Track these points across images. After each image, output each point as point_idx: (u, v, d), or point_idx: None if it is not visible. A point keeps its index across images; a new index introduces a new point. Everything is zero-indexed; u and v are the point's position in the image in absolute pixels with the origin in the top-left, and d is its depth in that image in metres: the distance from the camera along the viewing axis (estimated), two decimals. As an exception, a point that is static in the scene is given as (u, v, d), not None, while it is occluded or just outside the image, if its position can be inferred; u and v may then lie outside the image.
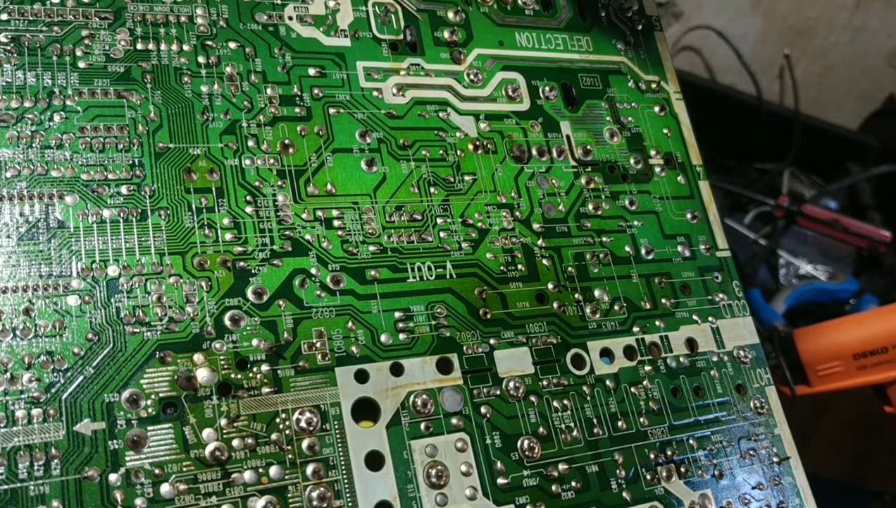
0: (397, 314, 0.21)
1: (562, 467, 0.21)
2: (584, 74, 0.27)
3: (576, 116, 0.27)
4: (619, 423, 0.22)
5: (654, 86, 0.28)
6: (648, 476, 0.22)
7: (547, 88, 0.26)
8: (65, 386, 0.18)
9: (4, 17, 0.21)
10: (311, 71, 0.23)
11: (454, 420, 0.21)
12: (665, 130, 0.28)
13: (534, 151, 0.25)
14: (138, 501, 0.18)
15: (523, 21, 0.27)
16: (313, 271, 0.21)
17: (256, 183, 0.22)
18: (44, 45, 0.21)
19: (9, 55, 0.21)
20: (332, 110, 0.23)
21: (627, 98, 0.28)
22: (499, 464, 0.21)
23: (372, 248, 0.22)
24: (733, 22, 0.64)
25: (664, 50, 0.29)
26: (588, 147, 0.26)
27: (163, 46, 0.22)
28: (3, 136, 0.20)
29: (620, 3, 0.29)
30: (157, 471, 0.18)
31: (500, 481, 0.21)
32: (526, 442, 0.21)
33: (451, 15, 0.26)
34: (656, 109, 0.28)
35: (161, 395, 0.19)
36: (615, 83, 0.28)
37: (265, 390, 0.19)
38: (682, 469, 0.23)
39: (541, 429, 0.22)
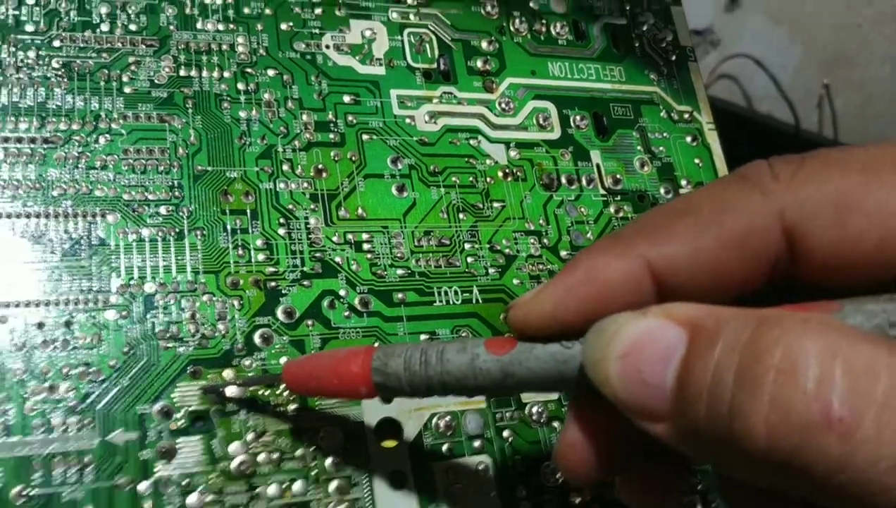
0: (423, 337, 0.22)
1: (583, 496, 0.22)
2: (615, 103, 0.28)
3: (606, 145, 0.27)
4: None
5: (686, 116, 0.29)
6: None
7: (578, 118, 0.27)
8: (100, 397, 0.19)
9: (57, 43, 0.22)
10: (346, 98, 0.24)
11: (476, 443, 0.21)
12: (697, 161, 0.28)
13: (563, 180, 0.26)
14: (168, 516, 0.18)
15: (556, 51, 0.28)
16: (342, 292, 0.22)
17: (290, 206, 0.22)
18: (92, 70, 0.22)
19: (59, 80, 0.22)
20: (365, 137, 0.24)
21: (659, 128, 0.28)
22: (520, 488, 0.21)
23: (400, 271, 0.23)
24: (772, 51, 0.64)
25: (698, 80, 0.29)
26: (618, 176, 0.27)
27: (204, 73, 0.23)
28: (51, 156, 0.21)
29: (654, 34, 0.29)
30: (185, 482, 0.19)
31: (524, 504, 0.21)
32: (547, 468, 0.22)
33: (484, 44, 0.27)
34: (688, 139, 0.28)
35: (191, 408, 0.19)
36: (647, 113, 0.28)
37: (291, 407, 0.20)
38: (710, 499, 0.23)
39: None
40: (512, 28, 0.27)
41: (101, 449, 0.18)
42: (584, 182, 0.26)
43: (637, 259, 0.15)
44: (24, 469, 0.18)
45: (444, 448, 0.21)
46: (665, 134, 0.28)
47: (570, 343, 0.16)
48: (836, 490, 0.11)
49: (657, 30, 0.29)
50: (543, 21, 0.28)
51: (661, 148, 0.28)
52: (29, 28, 0.22)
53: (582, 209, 0.26)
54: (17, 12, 0.22)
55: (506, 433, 0.22)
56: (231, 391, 0.20)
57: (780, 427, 0.12)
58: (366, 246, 0.23)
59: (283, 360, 0.20)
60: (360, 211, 0.23)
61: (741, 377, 0.12)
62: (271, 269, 0.21)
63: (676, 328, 0.14)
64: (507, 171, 0.25)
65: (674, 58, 0.29)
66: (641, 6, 0.29)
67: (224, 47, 0.24)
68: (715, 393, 0.13)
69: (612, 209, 0.26)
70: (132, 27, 0.23)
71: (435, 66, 0.26)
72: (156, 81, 0.23)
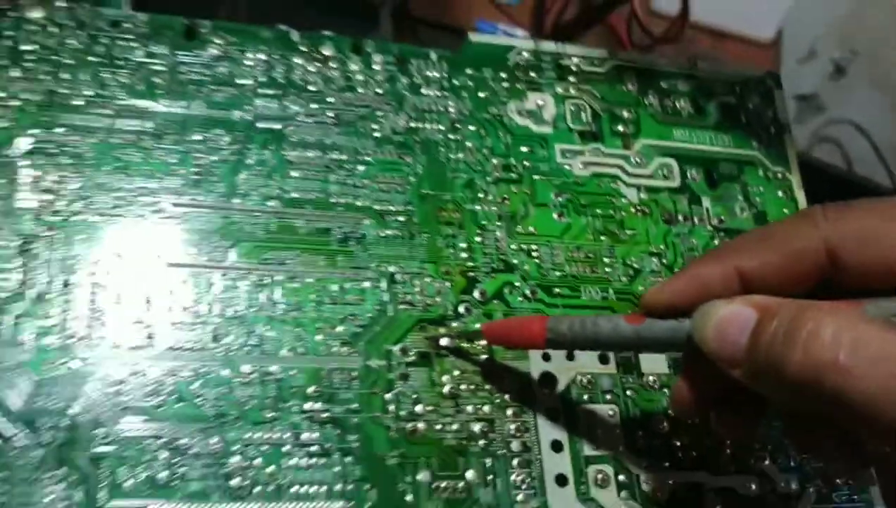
0: (573, 320, 0.31)
1: (684, 438, 0.30)
2: (724, 162, 0.36)
3: (715, 194, 0.35)
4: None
5: (779, 175, 0.37)
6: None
7: (694, 172, 0.35)
8: (362, 336, 0.29)
9: (331, 99, 0.32)
10: (524, 149, 0.34)
11: (608, 397, 0.30)
12: (785, 210, 0.36)
13: (680, 217, 0.34)
14: (402, 412, 0.28)
15: (680, 120, 0.36)
16: (517, 283, 0.31)
17: (484, 222, 0.32)
18: (353, 120, 0.32)
19: (335, 126, 0.32)
20: (536, 177, 0.33)
21: (756, 183, 0.36)
22: (637, 431, 0.30)
23: (557, 273, 0.32)
24: (874, 117, 0.70)
25: (791, 149, 0.37)
26: (722, 218, 0.35)
27: (428, 126, 0.33)
28: (329, 179, 0.31)
29: (759, 112, 0.38)
30: (414, 396, 0.28)
31: (640, 442, 0.30)
32: (658, 418, 0.30)
33: (625, 113, 0.36)
34: (780, 193, 0.36)
35: (419, 350, 0.29)
36: (748, 172, 0.36)
37: (482, 356, 0.29)
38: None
39: (669, 412, 0.30)
40: (646, 102, 0.36)
41: (363, 370, 0.28)
42: (695, 220, 0.34)
43: (729, 267, 0.24)
44: (316, 377, 0.27)
45: (585, 397, 0.30)
46: (761, 188, 0.36)
47: (682, 320, 0.25)
48: (840, 405, 0.20)
49: (761, 108, 0.38)
50: (671, 98, 0.37)
51: (757, 199, 0.36)
52: (311, 88, 0.32)
53: (693, 240, 0.34)
54: (304, 77, 0.32)
55: (629, 393, 0.30)
56: (444, 341, 0.29)
57: (807, 365, 0.20)
58: (534, 253, 0.32)
59: (477, 325, 0.29)
60: (531, 229, 0.32)
61: (786, 337, 0.21)
62: (471, 264, 0.31)
63: (751, 309, 0.22)
64: (637, 208, 0.34)
65: (773, 130, 0.37)
66: (749, 89, 0.38)
67: (441, 108, 0.33)
68: (771, 347, 0.21)
69: (716, 242, 0.34)
70: (379, 91, 0.33)
71: (588, 128, 0.35)
72: (395, 130, 0.33)
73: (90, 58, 0.30)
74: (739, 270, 0.24)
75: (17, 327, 0.26)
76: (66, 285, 0.27)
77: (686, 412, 0.26)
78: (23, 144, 0.28)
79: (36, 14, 0.30)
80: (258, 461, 0.26)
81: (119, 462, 0.25)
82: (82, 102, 0.29)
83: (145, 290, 0.27)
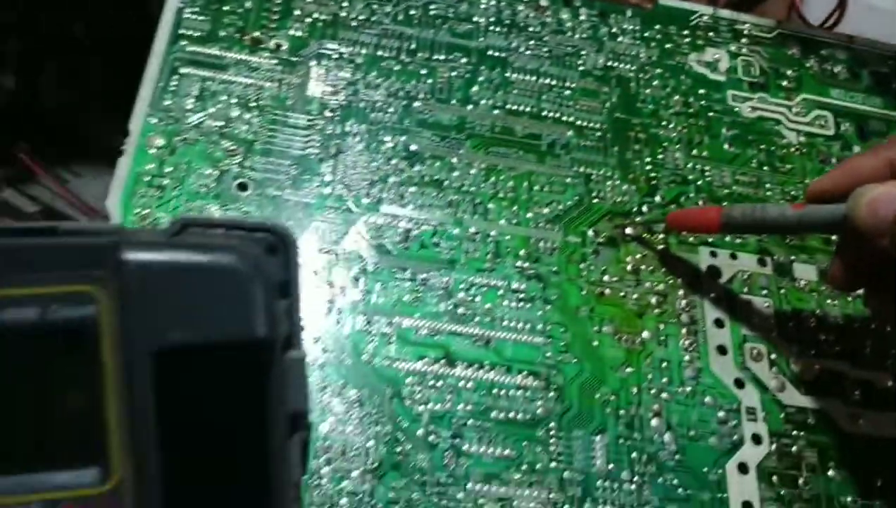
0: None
1: (829, 335, 0.35)
2: (874, 120, 0.41)
3: (864, 145, 0.40)
4: None
5: (924, 134, 0.42)
6: None
7: (847, 125, 0.41)
8: (563, 218, 0.35)
9: (546, 38, 0.40)
10: (701, 91, 0.40)
11: (763, 292, 0.36)
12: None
13: (833, 159, 0.40)
14: (592, 279, 0.34)
15: (836, 82, 0.42)
16: (691, 194, 0.37)
17: (665, 144, 0.38)
18: (562, 56, 0.39)
19: (548, 59, 0.39)
20: (710, 114, 0.39)
21: (904, 142, 0.41)
22: (789, 324, 0.35)
23: (725, 191, 0.38)
24: None
25: (936, 113, 0.42)
26: (870, 169, 0.40)
27: (622, 66, 0.40)
28: (541, 98, 0.38)
29: (908, 82, 0.43)
30: (603, 268, 0.34)
31: (790, 332, 0.35)
32: (806, 315, 0.35)
33: (789, 72, 0.41)
34: (925, 153, 0.41)
35: (608, 235, 0.35)
36: (894, 129, 0.41)
37: (659, 247, 0.35)
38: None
39: (816, 311, 0.35)
40: (807, 65, 0.42)
41: (563, 243, 0.35)
42: (847, 164, 0.40)
43: (882, 159, 0.30)
44: (525, 243, 0.34)
45: (745, 289, 0.35)
46: (908, 144, 0.41)
47: (839, 204, 0.30)
48: None
49: (911, 78, 0.43)
50: (829, 63, 0.42)
51: (903, 153, 0.41)
52: (531, 29, 0.40)
53: (844, 179, 0.39)
54: (525, 20, 0.40)
55: (783, 291, 0.36)
56: (629, 229, 0.35)
57: None
58: (706, 173, 0.38)
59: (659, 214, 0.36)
60: (704, 154, 0.38)
61: None
62: (653, 174, 0.37)
63: (899, 189, 0.28)
64: (796, 148, 0.39)
65: (920, 97, 0.42)
66: (901, 63, 0.43)
67: (633, 53, 0.40)
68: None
69: (864, 183, 0.39)
70: (584, 35, 0.40)
71: (756, 80, 0.41)
72: (596, 67, 0.39)
73: (364, -9, 0.38)
74: (891, 161, 0.29)
75: (306, 182, 0.34)
76: (337, 152, 0.35)
77: (839, 286, 0.32)
78: (314, 48, 0.37)
79: (325, -43, 0.39)
80: (478, 298, 0.33)
81: (375, 284, 0.32)
82: (356, 24, 0.38)
83: (398, 165, 0.35)
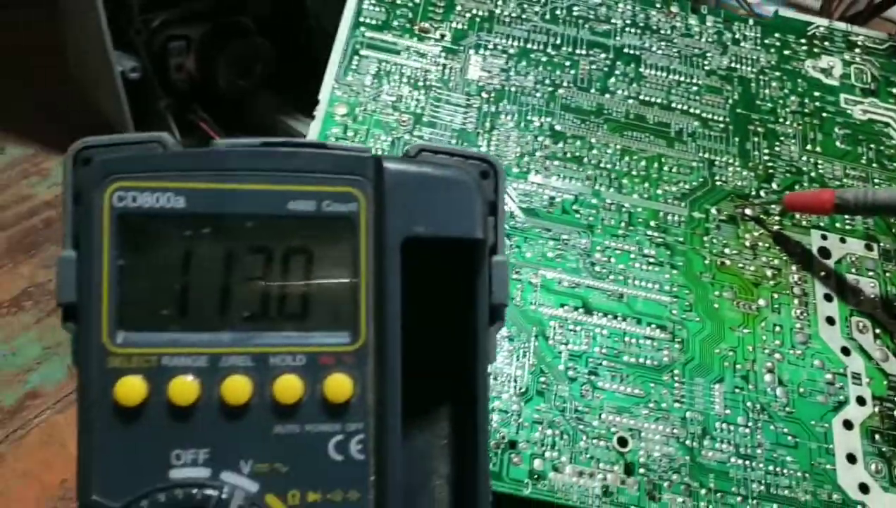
0: (847, 214, 0.40)
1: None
2: (979, 129, 0.44)
3: (969, 151, 0.44)
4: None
5: None
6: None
7: (953, 131, 0.44)
8: (689, 196, 0.40)
9: (675, 41, 0.44)
10: (816, 94, 0.44)
11: (870, 273, 0.39)
12: None
13: (939, 161, 0.43)
14: (714, 250, 0.38)
15: (944, 93, 0.45)
16: (805, 184, 0.41)
17: (781, 138, 0.42)
18: (690, 56, 0.44)
19: (677, 58, 0.44)
20: (824, 114, 0.43)
21: None
22: (894, 303, 0.39)
23: (836, 183, 0.41)
24: None
25: None
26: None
27: (743, 67, 0.44)
28: (670, 92, 0.42)
29: None
30: (724, 241, 0.38)
31: (894, 310, 0.38)
32: (910, 293, 0.39)
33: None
34: None
35: (729, 214, 0.39)
36: None
37: (775, 228, 0.39)
38: None
39: (920, 292, 0.39)
40: (916, 76, 0.46)
41: (688, 218, 0.39)
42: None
43: None
44: (655, 215, 0.39)
45: (853, 270, 0.39)
46: None
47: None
48: None
49: None
50: (938, 76, 0.46)
51: None
52: (662, 31, 0.44)
53: (949, 179, 0.43)
54: (657, 24, 0.44)
55: (888, 275, 0.39)
56: (748, 210, 0.39)
57: None
58: (819, 165, 0.42)
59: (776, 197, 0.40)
60: (818, 149, 0.42)
61: None
62: (770, 164, 0.41)
63: None
64: (904, 148, 0.43)
65: None
66: None
67: (753, 57, 0.44)
68: None
69: (968, 184, 0.43)
70: (710, 39, 0.45)
71: (867, 86, 0.45)
72: (720, 67, 0.44)
73: (516, -8, 0.44)
74: None
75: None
76: (491, 128, 0.40)
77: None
78: (472, 39, 0.42)
79: (482, -38, 0.44)
80: (613, 259, 0.37)
81: (523, 240, 0.37)
82: (508, 20, 0.43)
83: (545, 142, 0.40)
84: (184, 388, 0.23)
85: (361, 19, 0.41)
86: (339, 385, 0.23)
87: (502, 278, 0.25)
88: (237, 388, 0.23)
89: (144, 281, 0.23)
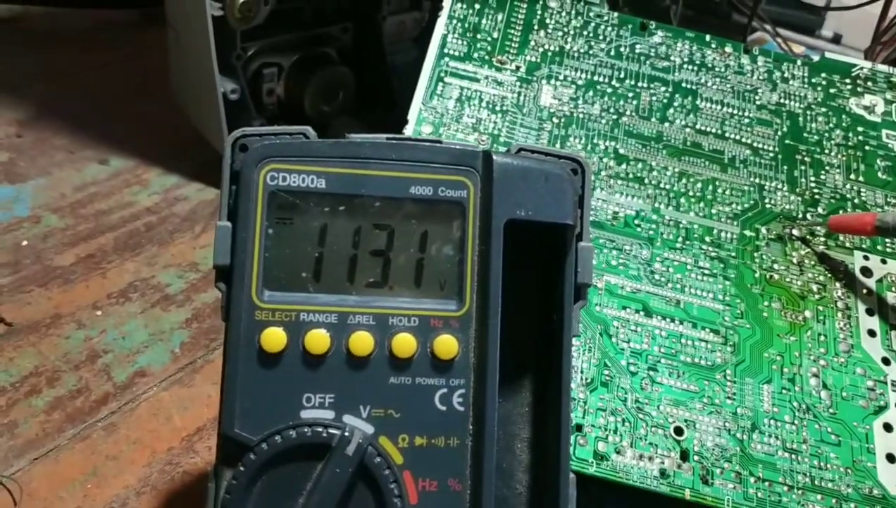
0: None
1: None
2: None
3: None
4: None
5: None
6: None
7: None
8: (740, 216, 0.43)
9: (728, 77, 0.48)
10: (860, 129, 0.47)
11: (910, 290, 0.42)
12: None
13: (974, 194, 0.46)
14: (764, 265, 0.42)
15: (979, 133, 0.49)
16: (848, 210, 0.44)
17: (827, 167, 0.46)
18: (742, 91, 0.48)
19: (730, 93, 0.48)
20: (867, 148, 0.47)
21: None
22: (930, 317, 0.42)
23: (878, 209, 0.45)
24: None
25: None
26: None
27: (791, 103, 0.48)
28: (724, 122, 0.47)
29: None
30: (772, 257, 0.42)
31: (928, 327, 0.41)
32: (947, 311, 0.42)
33: (937, 121, 0.49)
34: None
35: (777, 233, 0.43)
36: None
37: (819, 248, 0.43)
38: None
39: (956, 310, 0.42)
40: (954, 116, 0.49)
41: (740, 235, 0.43)
42: None
43: None
44: (710, 232, 0.42)
45: (893, 289, 0.42)
46: None
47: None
48: None
49: None
50: (975, 116, 0.49)
51: None
52: (716, 68, 0.49)
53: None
54: (712, 62, 0.49)
55: (925, 293, 0.42)
56: (795, 231, 0.43)
57: None
58: (862, 193, 0.45)
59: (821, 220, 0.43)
60: (860, 178, 0.46)
61: None
62: (816, 190, 0.45)
63: None
64: (942, 181, 0.47)
65: None
66: None
67: (801, 94, 0.48)
68: None
69: None
70: (760, 77, 0.49)
71: (908, 124, 0.48)
72: (770, 102, 0.48)
73: (584, 31, 0.48)
74: None
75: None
76: (562, 148, 0.44)
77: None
78: (545, 70, 0.46)
79: (553, 3, 0.49)
80: (671, 269, 0.41)
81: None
82: (577, 55, 0.47)
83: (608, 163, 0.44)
84: (318, 339, 0.27)
85: (446, 50, 0.46)
86: (446, 345, 0.27)
87: (587, 261, 0.29)
88: (362, 342, 0.27)
89: (288, 249, 0.27)
